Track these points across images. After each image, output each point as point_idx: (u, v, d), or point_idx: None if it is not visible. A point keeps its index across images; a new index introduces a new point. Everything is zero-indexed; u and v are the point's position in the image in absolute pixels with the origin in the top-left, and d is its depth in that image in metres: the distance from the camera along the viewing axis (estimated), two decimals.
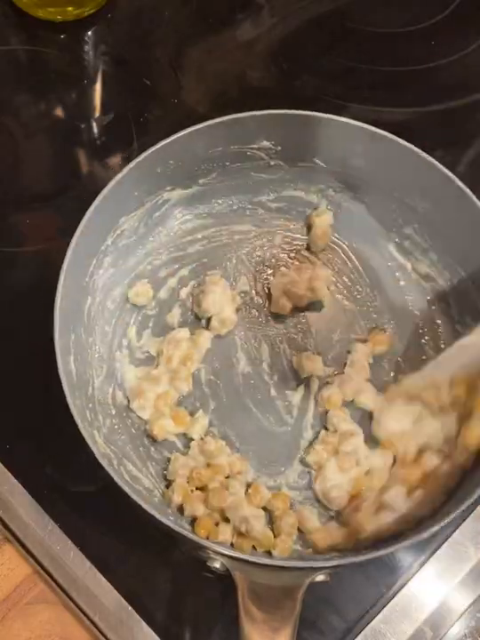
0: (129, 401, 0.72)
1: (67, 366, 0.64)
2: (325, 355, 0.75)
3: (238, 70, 0.94)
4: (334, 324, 0.77)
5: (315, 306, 0.77)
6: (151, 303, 0.77)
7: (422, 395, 0.67)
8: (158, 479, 0.70)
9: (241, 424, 0.73)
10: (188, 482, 0.68)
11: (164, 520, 0.58)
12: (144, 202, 0.74)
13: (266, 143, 0.75)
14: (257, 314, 0.77)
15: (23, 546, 0.68)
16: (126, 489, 0.58)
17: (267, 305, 0.77)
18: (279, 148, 0.75)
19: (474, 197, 0.70)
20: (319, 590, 0.60)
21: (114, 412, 0.72)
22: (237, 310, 0.76)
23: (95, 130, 0.89)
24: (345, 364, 0.74)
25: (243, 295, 0.77)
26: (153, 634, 0.66)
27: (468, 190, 0.70)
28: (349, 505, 0.67)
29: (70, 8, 0.93)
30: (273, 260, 0.79)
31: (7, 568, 0.69)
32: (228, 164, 0.76)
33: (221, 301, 0.74)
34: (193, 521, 0.67)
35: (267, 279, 0.78)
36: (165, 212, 0.78)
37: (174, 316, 0.76)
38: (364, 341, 0.75)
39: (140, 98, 0.91)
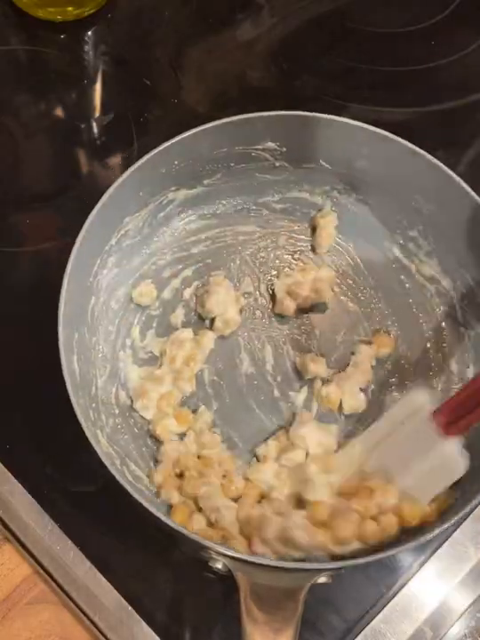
0: (132, 401, 0.72)
1: (70, 366, 0.64)
2: (329, 356, 0.75)
3: (238, 70, 0.94)
4: (338, 326, 0.77)
5: (319, 307, 0.77)
6: (155, 303, 0.77)
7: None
8: None
9: (244, 425, 0.73)
10: (173, 466, 0.68)
11: (166, 520, 0.58)
12: (148, 202, 0.74)
13: (271, 144, 0.75)
14: (261, 315, 0.77)
15: (23, 546, 0.68)
16: (129, 489, 0.58)
17: (270, 306, 0.77)
18: (284, 149, 0.75)
19: (477, 198, 0.70)
20: (319, 590, 0.60)
21: (117, 411, 0.72)
22: (241, 311, 0.76)
23: (95, 130, 0.89)
24: (348, 365, 0.74)
25: (247, 296, 0.77)
26: (153, 634, 0.66)
27: (471, 191, 0.70)
28: None
29: (70, 8, 0.93)
30: (277, 262, 0.79)
31: (7, 568, 0.69)
32: (232, 164, 0.76)
33: (225, 302, 0.74)
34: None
35: (271, 280, 0.78)
36: (170, 213, 0.78)
37: (178, 316, 0.76)
38: (368, 343, 0.75)
39: (140, 98, 0.91)
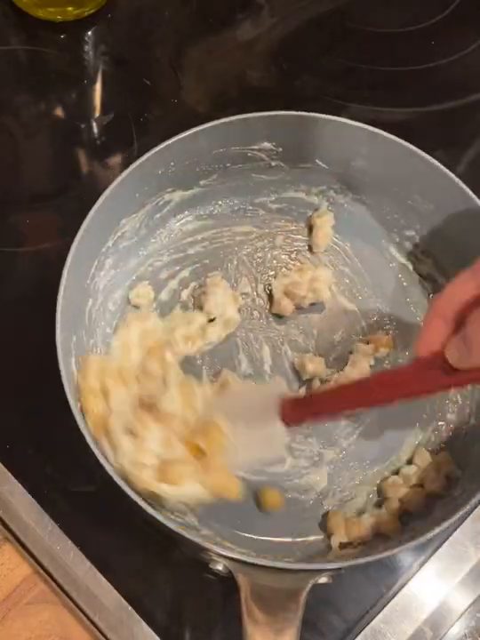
0: None
1: (68, 368, 0.64)
2: (327, 356, 0.75)
3: (238, 70, 0.94)
4: (336, 326, 0.77)
5: (316, 307, 0.77)
6: (152, 305, 0.77)
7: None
8: None
9: None
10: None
11: (165, 522, 0.58)
12: (145, 203, 0.74)
13: (267, 144, 0.75)
14: (258, 315, 0.77)
15: (23, 546, 0.68)
16: (127, 490, 0.58)
17: (268, 306, 0.77)
18: (280, 149, 0.75)
19: (475, 198, 0.70)
20: (319, 591, 0.60)
21: None
22: (239, 311, 0.76)
23: (95, 130, 0.89)
24: (346, 365, 0.74)
25: (244, 297, 0.77)
26: (153, 634, 0.66)
27: (468, 191, 0.70)
28: None
29: (70, 8, 0.93)
30: (274, 262, 0.79)
31: (7, 568, 0.69)
32: (228, 165, 0.76)
33: (224, 302, 0.74)
34: None
35: (268, 280, 0.78)
36: (166, 214, 0.78)
37: None
38: (366, 343, 0.75)
39: (140, 98, 0.91)
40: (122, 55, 0.94)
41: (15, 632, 0.67)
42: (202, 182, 0.77)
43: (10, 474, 0.70)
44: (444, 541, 0.70)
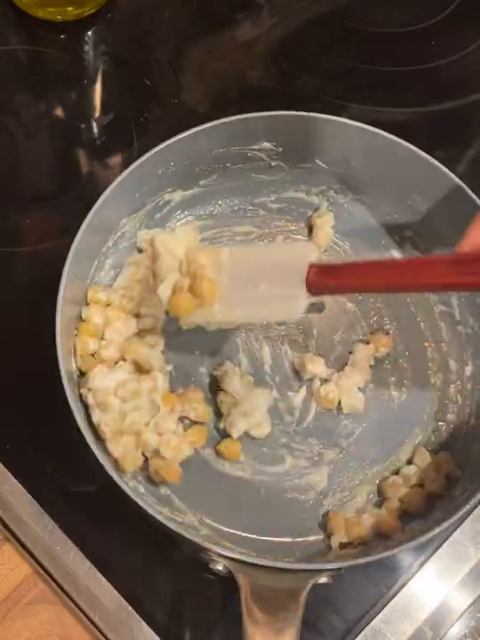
0: None
1: (68, 366, 0.64)
2: (327, 356, 0.75)
3: (238, 70, 0.94)
4: (336, 326, 0.77)
5: (316, 307, 0.77)
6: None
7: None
8: None
9: None
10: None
11: (165, 522, 0.58)
12: (145, 203, 0.74)
13: (267, 144, 0.75)
14: None
15: (23, 546, 0.68)
16: (127, 490, 0.59)
17: None
18: (280, 149, 0.75)
19: (475, 198, 0.70)
20: (319, 591, 0.60)
21: None
22: None
23: (95, 130, 0.89)
24: (346, 365, 0.74)
25: None
26: (153, 634, 0.66)
27: (469, 191, 0.70)
28: None
29: (70, 8, 0.93)
30: None
31: (7, 568, 0.69)
32: (228, 165, 0.76)
33: None
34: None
35: None
36: (166, 214, 0.78)
37: None
38: (366, 342, 0.75)
39: (140, 98, 0.91)
40: (122, 55, 0.94)
41: (15, 632, 0.67)
42: (202, 182, 0.77)
43: (10, 474, 0.70)
44: (443, 541, 0.70)
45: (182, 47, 0.95)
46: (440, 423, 0.73)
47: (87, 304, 0.71)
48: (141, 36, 0.96)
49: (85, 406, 0.66)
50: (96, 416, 0.65)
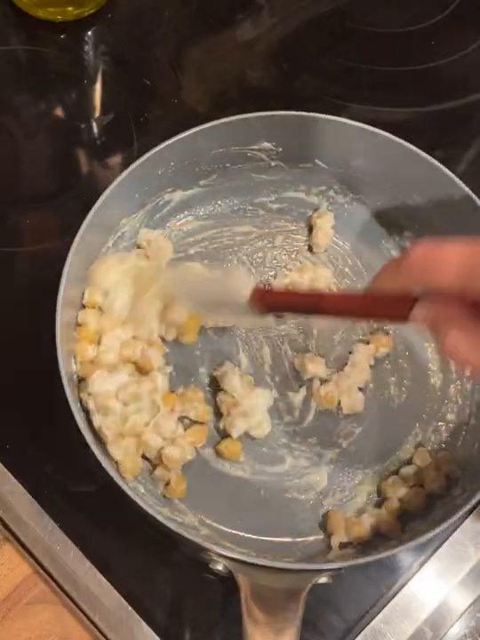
0: None
1: (68, 367, 0.64)
2: (327, 356, 0.75)
3: (238, 70, 0.94)
4: (336, 325, 0.77)
5: None
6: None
7: None
8: None
9: None
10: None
11: (165, 522, 0.58)
12: (145, 203, 0.75)
13: (266, 144, 0.75)
14: None
15: (23, 546, 0.68)
16: (127, 490, 0.59)
17: None
18: (280, 148, 0.75)
19: (474, 197, 0.70)
20: (319, 591, 0.60)
21: None
22: None
23: (95, 130, 0.89)
24: (346, 365, 0.74)
25: None
26: (153, 634, 0.66)
27: (468, 191, 0.70)
28: None
29: (70, 8, 0.93)
30: (274, 262, 0.79)
31: (7, 568, 0.69)
32: (228, 165, 0.76)
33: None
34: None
35: (268, 280, 0.78)
36: (166, 214, 0.78)
37: None
38: (366, 343, 0.75)
39: (140, 98, 0.91)
40: (122, 55, 0.94)
41: (15, 632, 0.67)
42: (202, 182, 0.77)
43: (10, 474, 0.70)
44: (443, 541, 0.70)
45: (182, 47, 0.95)
46: (440, 423, 0.73)
47: (83, 307, 0.71)
48: (141, 35, 0.96)
49: (86, 411, 0.66)
50: (97, 420, 0.65)
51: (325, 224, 0.78)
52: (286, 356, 0.75)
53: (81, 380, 0.68)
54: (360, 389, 0.73)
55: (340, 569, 0.60)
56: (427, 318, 0.51)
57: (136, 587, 0.67)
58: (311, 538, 0.69)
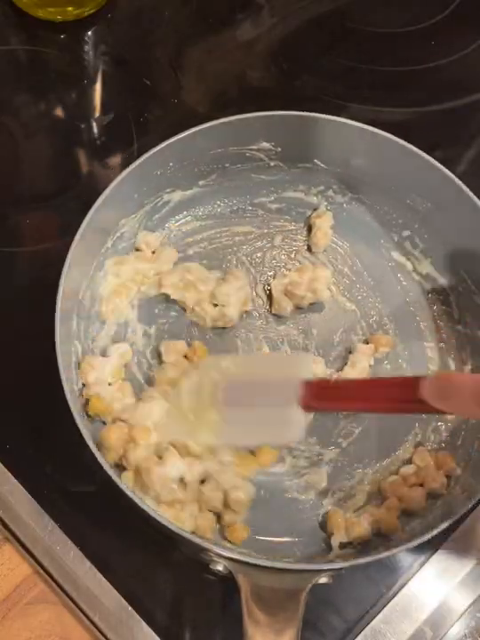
0: None
1: (68, 368, 0.64)
2: (327, 356, 0.75)
3: (238, 70, 0.94)
4: (335, 325, 0.77)
5: (315, 307, 0.77)
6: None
7: None
8: None
9: None
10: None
11: (165, 522, 0.58)
12: (144, 204, 0.75)
13: (265, 144, 0.75)
14: (258, 315, 0.77)
15: (23, 546, 0.68)
16: (127, 490, 0.59)
17: (267, 306, 0.77)
18: (279, 149, 0.75)
19: (474, 197, 0.70)
20: (320, 591, 0.60)
21: None
22: (244, 313, 0.76)
23: (95, 130, 0.89)
24: (345, 364, 0.74)
25: None
26: (153, 634, 0.66)
27: (468, 191, 0.70)
28: None
29: (70, 8, 0.93)
30: (273, 262, 0.79)
31: (7, 568, 0.69)
32: (227, 165, 0.77)
33: (236, 296, 0.74)
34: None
35: (267, 280, 0.78)
36: (165, 214, 0.78)
37: None
38: (366, 342, 0.75)
39: (140, 98, 0.91)
40: (122, 55, 0.94)
41: (15, 632, 0.67)
42: (201, 182, 0.77)
43: (10, 474, 0.70)
44: (443, 541, 0.70)
45: (182, 47, 0.95)
46: (440, 423, 0.73)
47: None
48: (141, 35, 0.96)
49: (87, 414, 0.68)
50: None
51: (324, 224, 0.78)
52: None
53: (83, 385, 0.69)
54: None
55: (340, 569, 0.60)
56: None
57: (136, 587, 0.67)
58: (311, 538, 0.69)
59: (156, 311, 0.76)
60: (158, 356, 0.74)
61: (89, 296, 0.72)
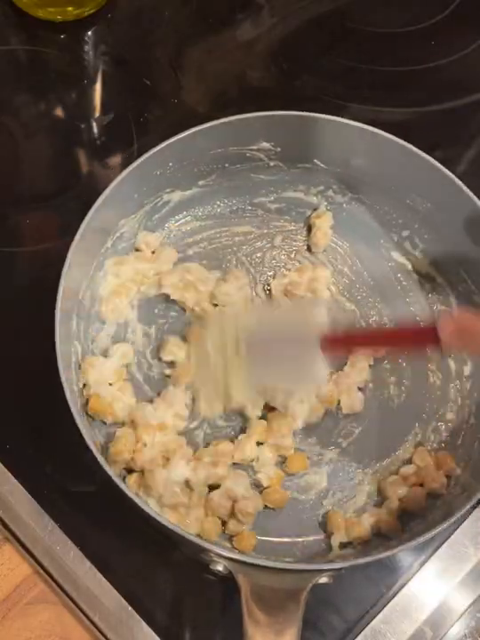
0: None
1: (68, 368, 0.64)
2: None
3: (238, 70, 0.94)
4: (335, 325, 0.77)
5: None
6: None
7: None
8: None
9: None
10: None
11: (165, 522, 0.58)
12: (143, 204, 0.75)
13: (265, 144, 0.75)
14: None
15: (23, 546, 0.68)
16: (127, 490, 0.59)
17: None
18: (279, 149, 0.75)
19: (474, 197, 0.70)
20: (320, 591, 0.60)
21: None
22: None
23: (95, 130, 0.89)
24: (345, 364, 0.74)
25: None
26: (153, 634, 0.66)
27: (468, 190, 0.70)
28: None
29: (70, 8, 0.93)
30: (273, 262, 0.79)
31: (7, 568, 0.69)
32: (227, 165, 0.76)
33: (236, 296, 0.74)
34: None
35: (267, 280, 0.78)
36: (165, 214, 0.78)
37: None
38: None
39: (140, 98, 0.91)
40: (122, 55, 0.94)
41: (15, 632, 0.67)
42: (201, 182, 0.77)
43: (10, 474, 0.70)
44: (444, 541, 0.70)
45: (182, 47, 0.95)
46: (439, 423, 0.73)
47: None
48: (141, 35, 0.96)
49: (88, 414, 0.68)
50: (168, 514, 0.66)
51: (324, 224, 0.78)
52: None
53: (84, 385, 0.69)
54: (360, 389, 0.73)
55: (340, 569, 0.60)
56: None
57: (136, 587, 0.67)
58: (311, 538, 0.69)
59: (156, 311, 0.76)
60: (158, 356, 0.74)
61: (89, 296, 0.72)
